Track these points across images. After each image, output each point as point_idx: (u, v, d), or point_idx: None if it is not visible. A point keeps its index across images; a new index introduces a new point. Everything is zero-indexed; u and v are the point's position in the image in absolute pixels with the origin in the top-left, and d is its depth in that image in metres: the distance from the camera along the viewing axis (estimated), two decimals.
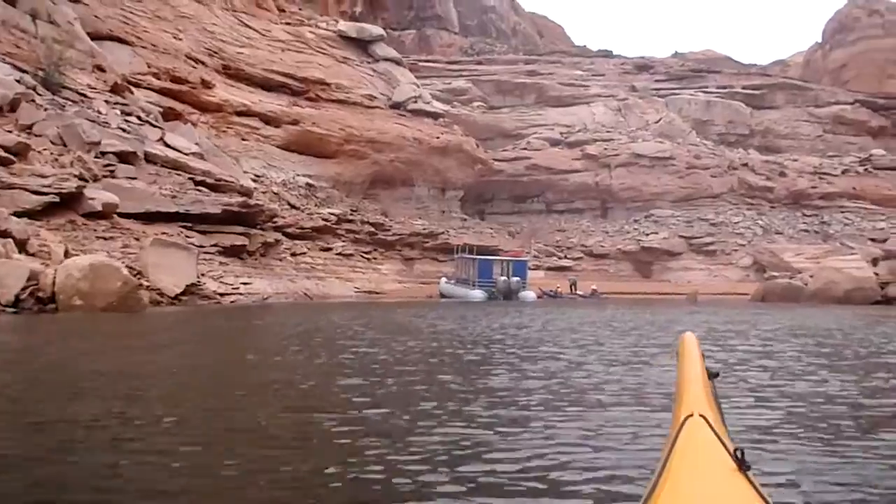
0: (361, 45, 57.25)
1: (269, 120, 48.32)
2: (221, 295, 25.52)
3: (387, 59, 57.80)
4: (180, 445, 4.62)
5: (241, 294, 26.95)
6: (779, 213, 66.74)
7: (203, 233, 28.91)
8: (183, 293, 23.34)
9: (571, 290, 45.64)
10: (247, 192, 32.00)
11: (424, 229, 51.00)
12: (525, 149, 67.24)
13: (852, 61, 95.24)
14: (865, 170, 71.44)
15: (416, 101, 56.32)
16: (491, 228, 59.17)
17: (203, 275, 25.84)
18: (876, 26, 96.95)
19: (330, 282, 39.15)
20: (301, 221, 42.94)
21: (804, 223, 66.06)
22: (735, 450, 1.51)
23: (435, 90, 67.50)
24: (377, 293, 41.65)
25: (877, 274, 33.72)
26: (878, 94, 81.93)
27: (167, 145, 31.70)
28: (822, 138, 76.12)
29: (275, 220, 40.42)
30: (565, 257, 60.06)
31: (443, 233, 51.49)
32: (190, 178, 29.92)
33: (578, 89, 73.09)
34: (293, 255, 39.80)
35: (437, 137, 55.07)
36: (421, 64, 71.85)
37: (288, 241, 40.46)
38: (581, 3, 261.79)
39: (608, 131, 68.88)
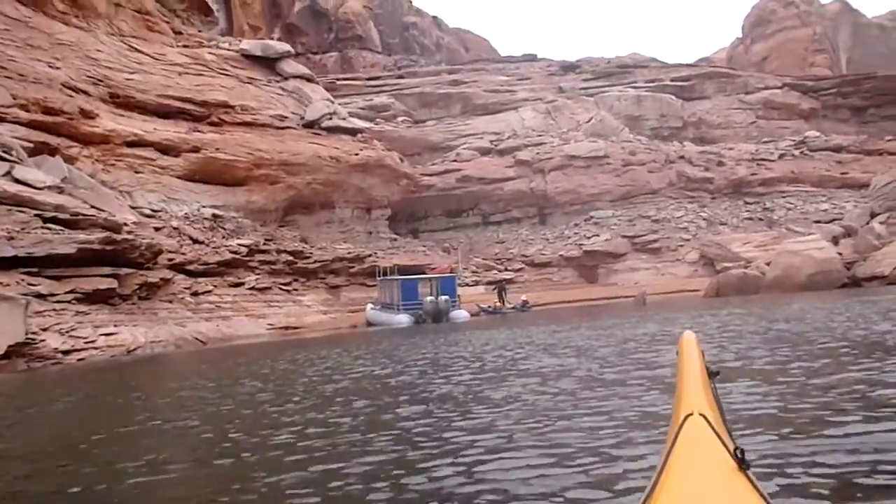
0: (267, 63, 51.94)
1: (165, 149, 42.72)
2: (65, 353, 20.01)
3: (296, 76, 52.54)
4: None
5: (95, 348, 21.41)
6: (721, 204, 62.87)
7: (56, 278, 23.39)
8: (5, 355, 17.84)
9: (500, 299, 40.47)
10: (113, 227, 26.43)
11: (349, 253, 45.67)
12: (455, 161, 62.42)
13: (773, 52, 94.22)
14: (801, 152, 68.21)
15: (330, 118, 51.11)
16: (424, 246, 54.07)
17: (45, 329, 20.33)
18: (792, 17, 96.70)
19: (237, 321, 33.73)
20: (204, 257, 37.42)
21: (747, 211, 62.28)
22: (735, 449, 1.48)
23: (356, 108, 62.58)
24: (295, 328, 36.27)
25: (840, 254, 29.30)
26: (806, 77, 79.32)
27: (16, 180, 26.11)
28: (756, 125, 72.69)
29: (170, 257, 35.22)
30: (506, 269, 55.14)
31: (370, 255, 46.19)
32: (37, 216, 24.34)
33: (505, 95, 68.60)
34: (194, 294, 34.33)
35: (356, 154, 49.87)
36: (339, 83, 66.91)
37: (188, 280, 35.05)
38: (504, 15, 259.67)
39: (539, 135, 64.41)
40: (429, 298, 33.52)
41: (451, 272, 37.88)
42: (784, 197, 64.11)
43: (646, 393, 7.15)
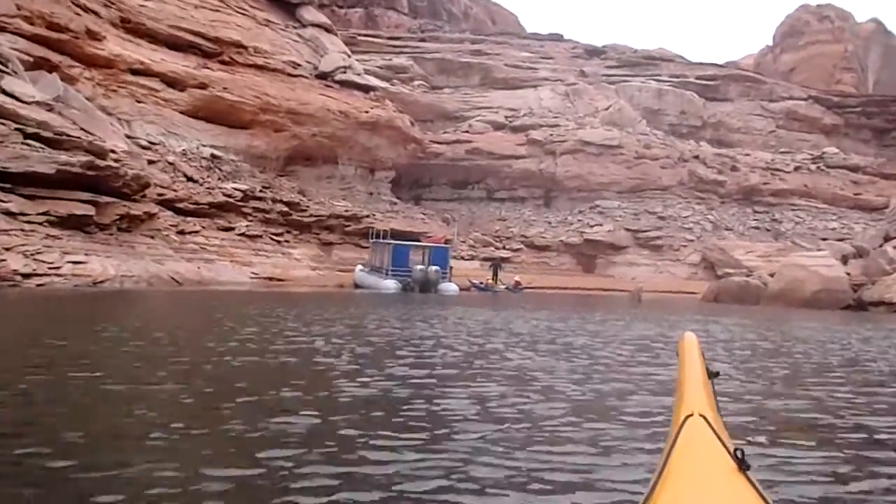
0: (287, 7, 50.31)
1: (171, 82, 41.27)
2: (25, 276, 18.78)
3: (315, 25, 50.93)
4: None
5: (59, 275, 20.17)
6: (729, 209, 61.45)
7: (30, 197, 22.13)
8: None
9: (494, 277, 39.16)
10: (98, 152, 25.03)
11: (346, 211, 44.36)
12: (467, 132, 60.87)
13: (801, 64, 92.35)
14: (818, 168, 66.71)
15: (345, 72, 49.56)
16: (424, 214, 52.68)
17: (7, 248, 19.08)
18: (826, 31, 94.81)
19: (220, 265, 32.52)
20: (196, 196, 36.18)
21: (755, 220, 60.88)
22: (735, 450, 1.46)
23: (374, 66, 60.88)
24: (280, 280, 35.04)
25: (848, 274, 27.94)
26: (832, 92, 77.43)
27: (3, 91, 24.73)
28: (775, 133, 70.99)
29: (160, 192, 34.00)
30: (504, 248, 53.89)
31: (367, 216, 44.87)
32: (18, 129, 22.96)
33: (526, 72, 66.87)
34: (180, 233, 33.11)
35: (367, 112, 48.36)
36: (360, 38, 65.13)
37: (176, 218, 33.84)
38: None
39: (555, 117, 62.80)
40: (419, 267, 32.22)
41: (445, 243, 36.49)
42: (794, 210, 62.71)
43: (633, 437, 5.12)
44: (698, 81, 69.76)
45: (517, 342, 11.03)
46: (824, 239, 54.85)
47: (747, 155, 65.49)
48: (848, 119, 73.81)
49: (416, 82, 63.16)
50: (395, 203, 52.26)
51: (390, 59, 63.71)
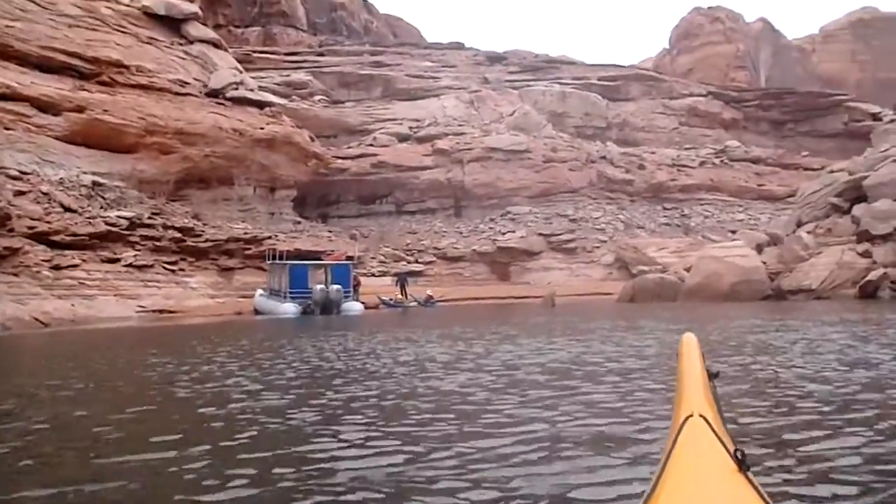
0: (172, 23, 47.10)
1: (44, 106, 37.81)
2: None
3: (203, 41, 47.87)
4: None
5: None
6: (639, 207, 60.73)
7: None
8: None
9: (402, 292, 36.83)
10: None
11: (246, 233, 41.42)
12: (371, 145, 58.56)
13: (697, 65, 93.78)
14: (721, 161, 66.91)
15: (237, 88, 46.65)
16: (330, 232, 49.98)
17: None
18: (717, 32, 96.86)
19: (101, 301, 29.32)
20: (74, 227, 32.80)
21: (665, 216, 60.34)
22: (735, 450, 1.45)
23: (272, 83, 58.08)
24: (172, 312, 31.94)
25: (764, 263, 26.60)
26: (730, 87, 78.25)
27: None
28: (679, 130, 71.02)
29: (31, 224, 30.69)
30: (416, 261, 51.67)
31: (269, 238, 41.98)
32: None
33: (428, 81, 65.04)
34: (55, 268, 29.77)
35: (262, 128, 45.54)
36: (256, 55, 62.29)
37: (49, 252, 30.46)
38: (435, 4, 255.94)
39: (460, 125, 61.08)
40: (318, 287, 29.56)
41: (347, 259, 33.92)
42: (702, 205, 62.52)
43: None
44: (600, 83, 69.18)
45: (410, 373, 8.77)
46: (733, 231, 54.46)
47: (653, 153, 65.11)
48: (746, 113, 74.54)
49: (317, 97, 60.58)
50: (300, 222, 49.48)
51: (288, 75, 60.99)
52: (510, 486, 4.01)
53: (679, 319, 17.07)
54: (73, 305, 26.57)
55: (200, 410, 6.90)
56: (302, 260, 34.07)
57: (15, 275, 25.44)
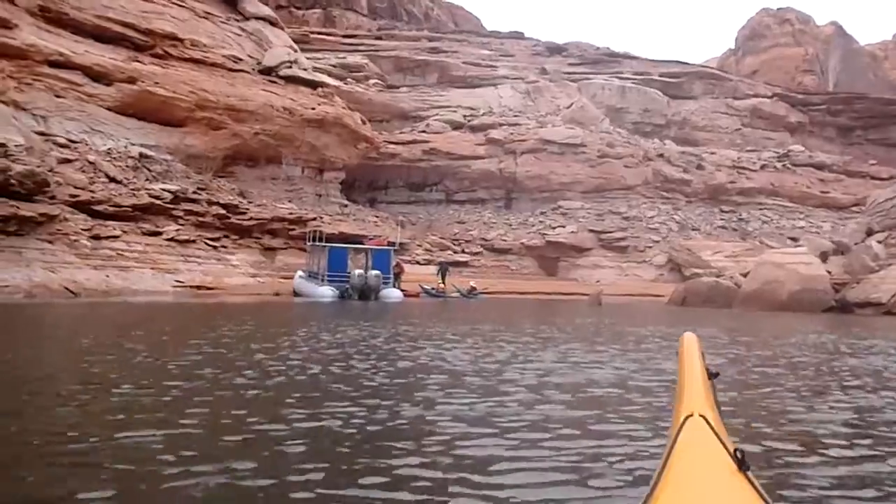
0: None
1: (96, 76, 37.35)
2: None
3: (259, 18, 47.14)
4: None
5: None
6: (695, 208, 58.50)
7: None
8: None
9: (442, 281, 35.47)
10: None
11: (291, 214, 40.58)
12: (424, 131, 57.40)
13: (763, 67, 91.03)
14: (784, 166, 64.13)
15: (290, 67, 45.81)
16: (376, 217, 48.90)
17: None
18: (787, 34, 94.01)
19: (137, 273, 28.64)
20: (118, 198, 32.24)
21: (722, 219, 58.01)
22: (735, 450, 1.45)
23: (328, 64, 57.27)
24: (210, 288, 31.17)
25: (829, 272, 24.69)
26: (797, 90, 75.17)
27: None
28: (741, 132, 68.40)
29: (74, 192, 30.22)
30: (462, 251, 50.44)
31: (314, 219, 41.12)
32: None
33: (485, 70, 63.58)
34: (95, 237, 29.20)
35: (313, 108, 44.62)
36: (313, 36, 61.53)
37: (91, 221, 29.93)
38: None
39: (515, 115, 59.56)
40: (357, 272, 28.44)
41: (388, 245, 32.72)
42: (761, 209, 60.02)
43: None
44: (662, 79, 66.93)
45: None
46: (793, 238, 52.17)
47: (713, 153, 62.72)
48: (813, 117, 71.53)
49: (372, 81, 59.57)
50: (346, 206, 48.53)
51: (344, 58, 60.06)
52: None
53: (743, 330, 15.41)
54: (107, 276, 25.89)
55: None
56: (345, 244, 32.98)
57: (50, 242, 24.81)
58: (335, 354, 9.49)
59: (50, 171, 28.23)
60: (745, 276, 27.15)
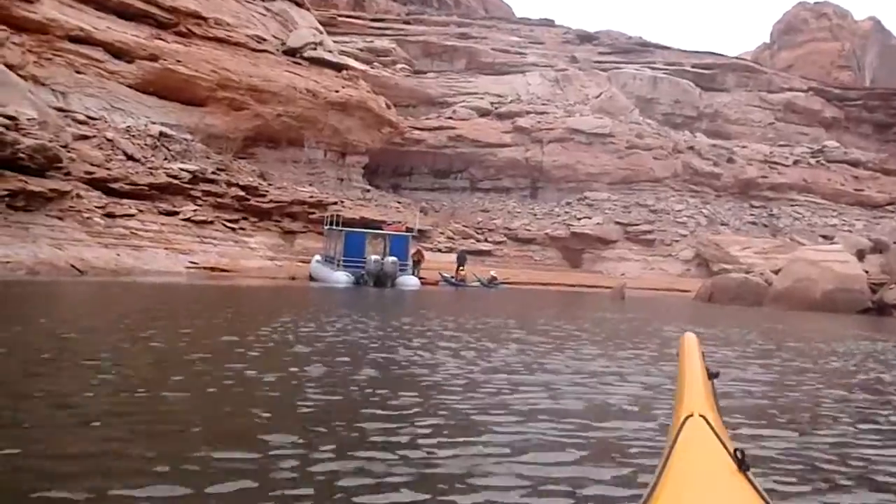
0: None
1: (118, 52, 36.71)
2: None
3: None
4: None
5: None
6: (725, 203, 56.89)
7: None
8: None
9: (457, 271, 34.35)
10: None
11: (311, 197, 39.76)
12: (450, 118, 56.27)
13: (798, 62, 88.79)
14: (818, 162, 62.17)
15: (315, 48, 44.90)
16: (399, 202, 47.86)
17: None
18: (823, 29, 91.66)
19: (150, 252, 27.94)
20: (134, 176, 31.59)
21: (752, 215, 56.34)
22: (735, 450, 1.43)
23: (355, 48, 56.28)
24: (225, 270, 30.42)
25: (866, 272, 23.32)
26: (833, 84, 72.93)
27: None
28: (774, 126, 66.48)
29: (89, 169, 29.63)
30: (486, 240, 49.37)
31: (335, 203, 40.26)
32: None
33: (514, 57, 62.25)
34: (108, 215, 28.56)
35: (337, 91, 43.70)
36: (340, 19, 60.50)
37: (105, 199, 29.31)
38: None
39: (543, 104, 58.23)
40: (373, 258, 27.44)
41: (407, 231, 31.66)
42: (792, 205, 58.22)
43: None
44: (694, 70, 65.18)
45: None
46: (824, 236, 50.52)
47: (744, 147, 60.99)
48: (848, 112, 69.43)
49: (399, 66, 58.49)
50: (369, 190, 47.62)
51: (372, 42, 59.00)
52: None
53: (783, 332, 14.18)
54: (118, 255, 25.17)
55: None
56: (364, 229, 32.03)
57: (60, 218, 24.13)
58: (282, 353, 8.52)
59: (64, 147, 27.54)
60: (776, 272, 25.83)
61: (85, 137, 31.86)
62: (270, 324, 10.83)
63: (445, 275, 33.87)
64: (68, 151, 28.35)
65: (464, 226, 49.98)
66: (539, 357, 8.70)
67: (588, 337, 11.75)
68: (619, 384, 7.09)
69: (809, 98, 68.50)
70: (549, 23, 69.23)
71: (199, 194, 34.47)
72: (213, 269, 30.39)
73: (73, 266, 21.50)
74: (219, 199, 35.39)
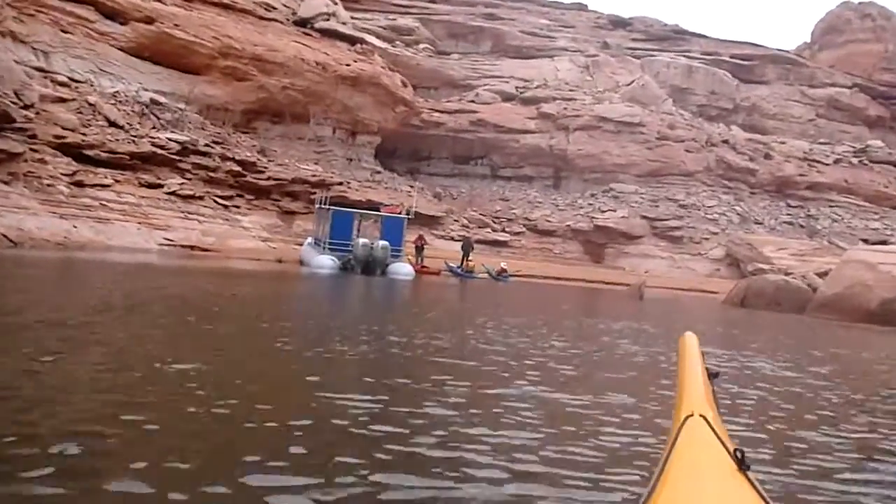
0: None
1: (110, 13, 33.62)
2: None
3: None
4: None
5: None
6: (759, 201, 52.58)
7: None
8: None
9: (463, 259, 30.60)
10: None
11: (314, 176, 36.39)
12: (472, 101, 52.54)
13: (840, 62, 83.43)
14: (860, 161, 57.48)
15: (327, 19, 41.46)
16: (410, 186, 44.19)
17: None
18: (866, 30, 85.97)
19: (118, 226, 24.69)
20: (113, 144, 28.40)
21: (788, 214, 51.96)
22: (735, 450, 1.41)
23: (377, 25, 52.77)
24: (205, 250, 27.09)
25: None
26: (879, 82, 67.92)
27: None
28: (815, 122, 61.85)
29: (59, 133, 26.48)
30: (503, 230, 45.74)
31: (339, 183, 36.92)
32: None
33: (542, 40, 58.30)
34: (77, 184, 25.40)
35: (348, 65, 40.19)
36: None
37: (75, 165, 26.15)
38: None
39: (571, 90, 54.22)
40: (361, 241, 23.79)
41: (401, 213, 27.97)
42: (831, 206, 53.71)
43: None
44: (732, 61, 60.72)
45: None
46: (864, 240, 46.17)
47: (782, 143, 56.49)
48: (894, 111, 64.46)
49: (422, 45, 54.80)
50: (379, 172, 44.08)
51: (395, 20, 55.38)
52: None
53: (848, 360, 10.36)
54: (74, 227, 21.92)
55: None
56: (354, 209, 28.40)
57: (6, 183, 20.88)
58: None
59: (29, 106, 24.33)
60: (820, 275, 21.86)
61: (62, 100, 28.73)
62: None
63: (451, 264, 30.23)
64: (36, 113, 25.16)
65: (480, 214, 46.39)
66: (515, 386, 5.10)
67: (582, 364, 8.10)
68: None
69: (854, 95, 63.78)
70: (581, 6, 64.96)
71: (188, 167, 31.29)
72: (192, 247, 27.10)
73: (4, 235, 18.20)
74: (211, 174, 32.18)
